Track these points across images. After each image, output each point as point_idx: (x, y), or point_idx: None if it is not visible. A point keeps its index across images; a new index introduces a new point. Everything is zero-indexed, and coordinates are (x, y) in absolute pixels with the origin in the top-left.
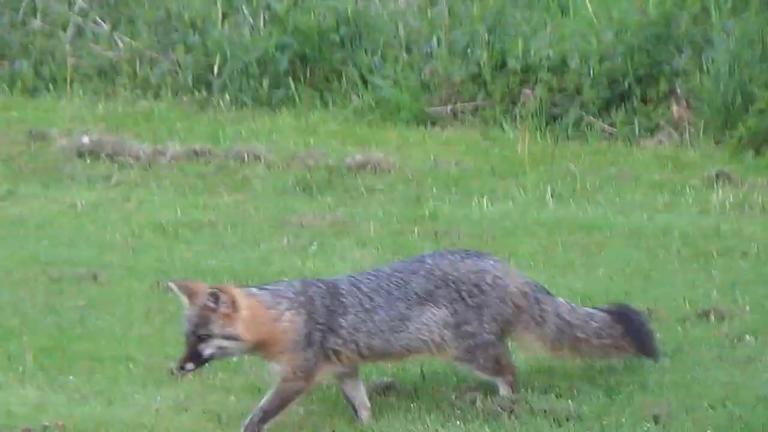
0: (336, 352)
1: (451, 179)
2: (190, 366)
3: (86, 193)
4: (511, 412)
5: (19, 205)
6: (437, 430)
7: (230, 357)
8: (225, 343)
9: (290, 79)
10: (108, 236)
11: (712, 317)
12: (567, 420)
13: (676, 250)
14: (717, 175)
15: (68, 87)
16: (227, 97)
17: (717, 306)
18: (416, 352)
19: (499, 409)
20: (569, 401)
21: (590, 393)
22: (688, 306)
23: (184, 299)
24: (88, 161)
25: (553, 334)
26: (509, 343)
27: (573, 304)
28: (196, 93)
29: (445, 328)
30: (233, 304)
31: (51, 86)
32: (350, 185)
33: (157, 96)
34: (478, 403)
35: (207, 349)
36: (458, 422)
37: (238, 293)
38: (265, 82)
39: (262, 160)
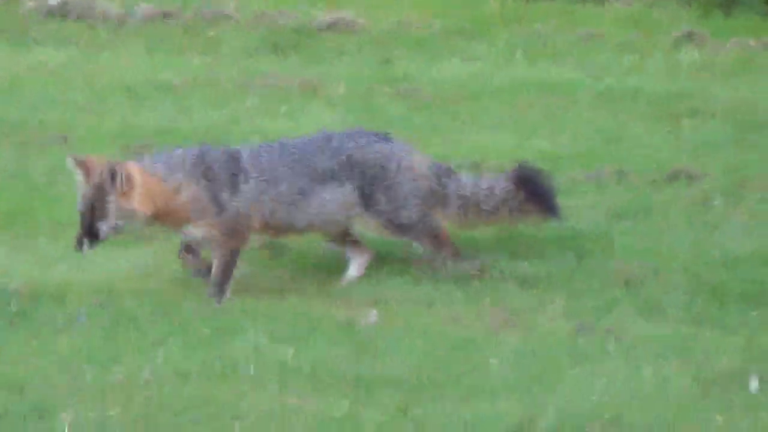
0: (245, 216)
1: (421, 39)
2: (86, 245)
3: (54, 54)
4: (481, 274)
5: None
6: (408, 292)
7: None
8: (121, 220)
9: None
10: (76, 98)
11: (682, 179)
12: (537, 283)
13: (644, 111)
14: (686, 36)
15: None
16: None
17: (686, 168)
18: (321, 228)
19: (469, 272)
20: (539, 265)
21: (560, 257)
22: (656, 168)
23: (80, 175)
24: (57, 22)
25: (457, 212)
26: None
27: (475, 178)
28: None
29: (351, 207)
30: (129, 181)
31: None
32: (319, 46)
33: None
34: (449, 265)
35: (103, 227)
36: (429, 285)
37: (134, 168)
38: None
39: (231, 21)
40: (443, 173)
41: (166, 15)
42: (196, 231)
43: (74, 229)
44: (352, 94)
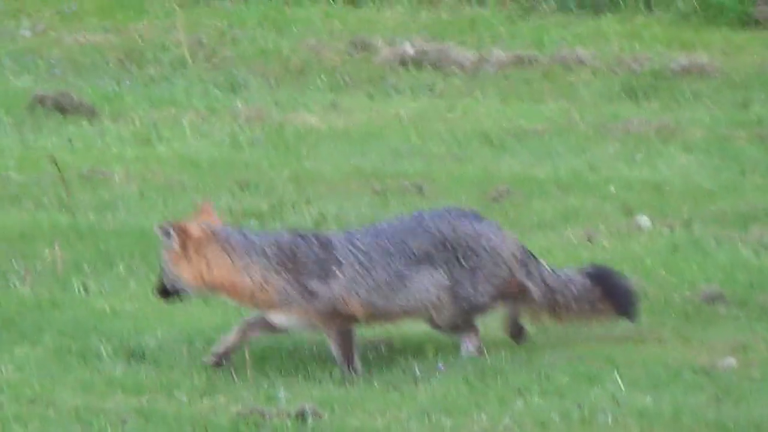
0: (343, 300)
1: None
2: (158, 296)
3: (410, 103)
4: None
5: (344, 117)
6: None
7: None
8: (177, 282)
9: None
10: (433, 147)
11: None
12: None
13: None
14: None
15: None
16: (551, 1)
17: None
18: (414, 314)
19: None
20: None
21: None
22: None
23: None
24: (412, 71)
25: (536, 300)
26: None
27: (553, 267)
28: None
29: (442, 290)
30: (184, 244)
31: None
32: (675, 90)
33: (481, 2)
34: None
35: (168, 284)
36: None
37: (199, 233)
38: None
39: (587, 65)
40: (527, 256)
41: (521, 61)
42: (290, 317)
43: None
44: (709, 138)
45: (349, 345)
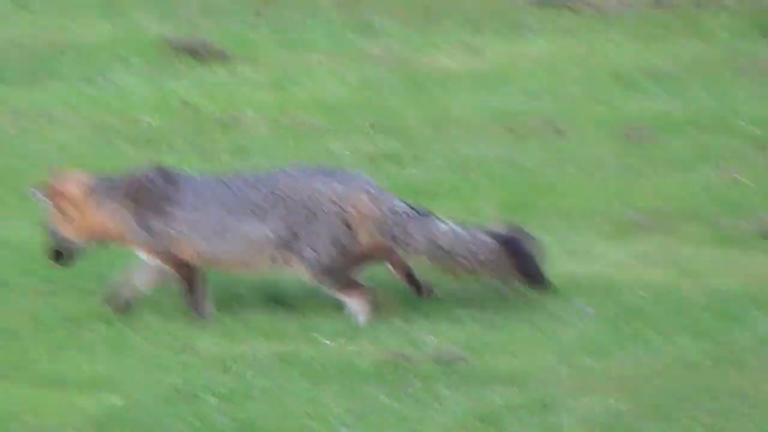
0: (178, 242)
1: None
2: (52, 260)
3: (543, 43)
4: None
5: (478, 58)
6: None
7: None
8: (64, 241)
9: None
10: (567, 87)
11: None
12: None
13: None
14: None
15: None
16: None
17: None
18: (248, 266)
19: None
20: None
21: None
22: None
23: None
24: (545, 10)
25: (427, 258)
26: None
27: (462, 230)
28: None
29: (277, 247)
30: (57, 202)
31: None
32: None
33: None
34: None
35: (57, 245)
36: None
37: (65, 187)
38: None
39: (720, 5)
40: (413, 219)
41: (657, 1)
42: (144, 255)
43: (575, 220)
44: None
45: (194, 291)
